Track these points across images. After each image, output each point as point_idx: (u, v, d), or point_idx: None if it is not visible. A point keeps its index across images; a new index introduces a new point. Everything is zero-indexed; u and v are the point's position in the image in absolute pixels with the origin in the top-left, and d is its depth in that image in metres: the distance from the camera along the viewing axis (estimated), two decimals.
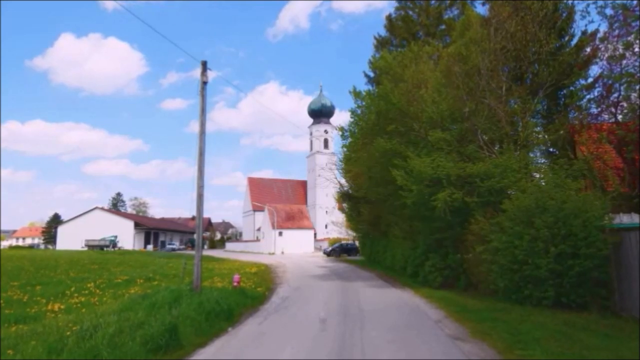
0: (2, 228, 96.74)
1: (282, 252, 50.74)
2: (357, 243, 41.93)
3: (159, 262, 27.78)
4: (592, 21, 12.63)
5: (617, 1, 11.27)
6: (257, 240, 62.72)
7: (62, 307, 10.84)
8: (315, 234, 61.33)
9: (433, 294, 12.96)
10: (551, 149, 16.92)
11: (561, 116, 15.48)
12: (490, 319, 8.94)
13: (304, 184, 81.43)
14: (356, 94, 21.26)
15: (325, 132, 78.72)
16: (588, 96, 15.37)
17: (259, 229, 65.54)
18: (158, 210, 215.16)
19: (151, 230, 69.59)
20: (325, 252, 43.81)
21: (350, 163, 25.61)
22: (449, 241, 14.62)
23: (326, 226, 68.15)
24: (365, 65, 29.72)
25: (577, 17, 15.83)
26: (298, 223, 56.85)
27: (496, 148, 14.98)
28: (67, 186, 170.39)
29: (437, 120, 15.16)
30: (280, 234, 54.04)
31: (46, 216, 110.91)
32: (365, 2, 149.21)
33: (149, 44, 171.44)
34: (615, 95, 13.06)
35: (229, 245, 74.99)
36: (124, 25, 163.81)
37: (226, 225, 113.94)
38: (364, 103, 21.03)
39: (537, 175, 14.28)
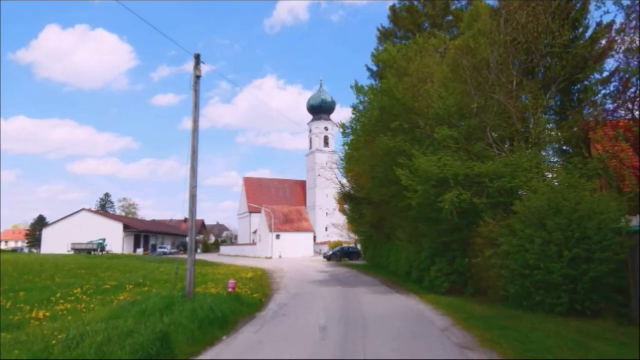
0: None
1: (280, 256, 50.78)
2: (359, 247, 42.02)
3: (150, 267, 27.74)
4: (607, 12, 12.61)
5: None
6: (254, 243, 62.75)
7: (47, 314, 10.83)
8: (315, 237, 61.42)
9: (439, 301, 12.98)
10: (565, 147, 16.95)
11: (575, 112, 15.49)
12: (500, 326, 8.96)
13: (303, 184, 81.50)
14: (358, 89, 21.27)
15: (326, 129, 78.75)
16: (604, 91, 15.39)
17: (255, 232, 65.60)
18: (149, 212, 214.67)
19: (141, 233, 69.58)
20: (325, 256, 43.86)
21: (352, 162, 25.64)
22: (457, 245, 14.63)
23: (326, 229, 68.24)
24: (368, 59, 29.87)
25: (592, 7, 15.85)
26: (297, 225, 56.89)
27: (506, 146, 15.01)
28: (53, 186, 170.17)
29: (443, 116, 15.16)
30: (278, 237, 54.04)
31: (30, 218, 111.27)
32: None
33: (139, 36, 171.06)
34: (633, 90, 13.05)
35: (223, 249, 75.13)
36: (113, 16, 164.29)
37: (221, 228, 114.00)
38: (366, 98, 21.03)
39: (550, 175, 14.31)
